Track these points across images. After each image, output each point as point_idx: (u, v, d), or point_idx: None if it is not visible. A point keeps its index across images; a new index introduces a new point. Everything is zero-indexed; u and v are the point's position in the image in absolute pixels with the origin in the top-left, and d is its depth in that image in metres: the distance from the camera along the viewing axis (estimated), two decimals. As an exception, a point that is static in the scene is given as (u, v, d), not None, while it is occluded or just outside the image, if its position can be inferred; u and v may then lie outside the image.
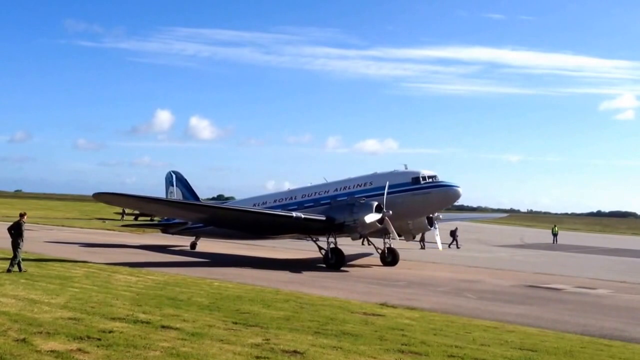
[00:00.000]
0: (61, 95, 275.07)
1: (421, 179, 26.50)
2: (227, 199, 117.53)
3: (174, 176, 35.34)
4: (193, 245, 33.56)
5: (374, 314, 14.42)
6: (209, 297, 15.78)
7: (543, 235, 70.60)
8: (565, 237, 64.38)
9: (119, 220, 68.31)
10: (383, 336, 11.78)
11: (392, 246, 28.49)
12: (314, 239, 27.40)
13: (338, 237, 26.64)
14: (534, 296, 20.39)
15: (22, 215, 20.29)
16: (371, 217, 24.95)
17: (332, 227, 26.02)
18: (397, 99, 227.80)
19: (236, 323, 12.32)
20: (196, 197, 34.92)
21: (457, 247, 41.42)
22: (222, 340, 10.61)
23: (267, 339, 10.90)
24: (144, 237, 42.49)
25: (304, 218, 25.86)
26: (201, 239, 33.67)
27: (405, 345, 11.08)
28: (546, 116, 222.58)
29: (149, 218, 72.51)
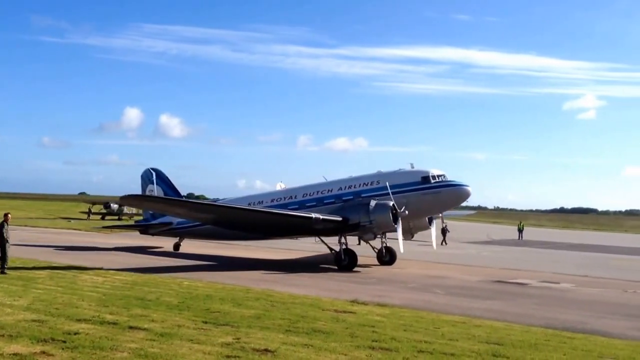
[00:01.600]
0: (25, 92, 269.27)
1: (431, 178, 26.31)
2: (197, 197, 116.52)
3: (153, 174, 33.72)
4: (177, 247, 32.07)
5: (344, 311, 14.49)
6: (178, 297, 15.67)
7: (509, 231, 71.64)
8: (531, 233, 65.51)
9: (85, 219, 67.32)
10: (354, 333, 11.86)
11: (388, 245, 27.98)
12: (321, 239, 26.93)
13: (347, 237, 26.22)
14: (501, 291, 20.73)
15: (5, 215, 20.10)
16: (391, 218, 24.59)
17: (345, 228, 25.53)
18: (368, 98, 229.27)
19: (206, 322, 12.27)
20: (179, 195, 33.74)
21: (445, 244, 41.13)
22: (191, 340, 10.55)
23: (238, 338, 10.89)
24: (113, 236, 41.90)
25: (322, 219, 25.24)
26: (185, 239, 32.27)
27: (376, 341, 11.18)
28: (512, 115, 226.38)
29: (116, 217, 71.77)
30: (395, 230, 25.04)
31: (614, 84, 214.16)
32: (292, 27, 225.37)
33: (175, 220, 30.70)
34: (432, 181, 26.23)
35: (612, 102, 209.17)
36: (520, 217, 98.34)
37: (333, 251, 26.06)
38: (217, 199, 36.50)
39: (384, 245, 27.87)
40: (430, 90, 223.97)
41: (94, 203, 77.11)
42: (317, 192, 27.65)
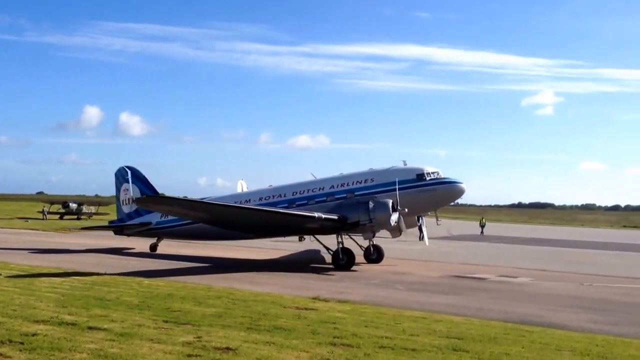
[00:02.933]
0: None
1: (426, 175, 26.22)
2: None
3: (128, 172, 32.14)
4: (154, 248, 30.91)
5: (306, 308, 14.50)
6: (138, 296, 15.46)
7: (470, 226, 72.68)
8: (490, 228, 66.52)
9: (42, 219, 65.84)
10: (315, 330, 11.87)
11: (376, 243, 27.67)
12: (316, 238, 26.81)
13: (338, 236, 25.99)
14: (460, 286, 21.01)
15: None
16: (394, 217, 24.39)
17: (344, 227, 25.29)
18: (329, 95, 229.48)
19: (167, 321, 12.13)
20: (156, 193, 31.98)
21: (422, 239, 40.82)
22: (152, 340, 10.43)
23: (199, 337, 10.80)
24: (73, 237, 41.15)
25: (324, 218, 24.88)
26: (162, 240, 31.26)
27: (337, 338, 11.21)
28: (472, 112, 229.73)
29: (75, 217, 70.36)
30: (396, 229, 25.15)
31: (571, 80, 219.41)
32: (253, 24, 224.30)
33: (154, 220, 29.83)
34: (427, 178, 26.16)
35: (569, 99, 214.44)
36: (479, 213, 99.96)
37: (330, 251, 25.84)
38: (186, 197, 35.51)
39: (372, 243, 27.46)
40: (391, 87, 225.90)
41: (52, 203, 75.53)
42: (308, 190, 27.25)
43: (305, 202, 26.74)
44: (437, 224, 28.90)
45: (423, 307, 15.99)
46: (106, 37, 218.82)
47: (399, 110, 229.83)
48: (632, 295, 20.01)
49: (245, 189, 35.92)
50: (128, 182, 31.89)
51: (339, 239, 25.67)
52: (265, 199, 27.77)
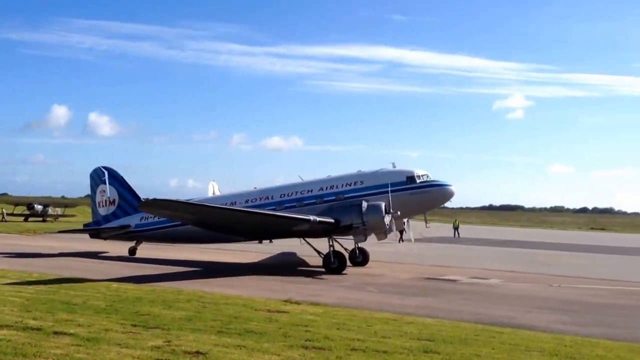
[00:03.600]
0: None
1: (416, 177, 26.07)
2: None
3: (105, 173, 30.86)
4: (133, 251, 29.77)
5: (277, 311, 14.40)
6: (106, 300, 15.18)
7: (443, 228, 73.17)
8: (461, 230, 67.04)
9: (3, 221, 64.39)
10: (287, 333, 11.78)
11: (361, 246, 27.03)
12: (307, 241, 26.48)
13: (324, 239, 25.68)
14: (432, 288, 21.10)
15: None
16: (387, 219, 24.20)
17: (336, 230, 24.97)
18: (302, 96, 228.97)
19: (135, 325, 11.92)
20: (136, 195, 30.85)
21: (402, 241, 41.17)
22: (120, 345, 10.24)
23: (168, 341, 10.63)
24: (42, 239, 40.41)
25: (319, 221, 24.50)
26: (141, 243, 30.12)
27: (309, 340, 11.14)
28: (444, 114, 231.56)
29: (40, 219, 69.05)
30: (390, 231, 24.98)
31: (541, 84, 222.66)
32: (225, 24, 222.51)
33: (133, 222, 29.02)
34: (418, 181, 26.05)
35: (539, 102, 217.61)
36: (451, 215, 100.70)
37: (321, 254, 25.55)
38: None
39: (357, 246, 26.94)
40: (364, 89, 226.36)
41: (16, 204, 73.92)
42: (296, 192, 26.83)
43: (294, 204, 26.37)
44: (427, 227, 28.78)
45: (395, 309, 15.99)
46: (76, 35, 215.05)
47: (372, 112, 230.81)
48: (599, 297, 20.29)
49: (217, 191, 35.53)
50: (105, 183, 30.84)
51: (330, 242, 25.36)
52: (252, 201, 27.27)
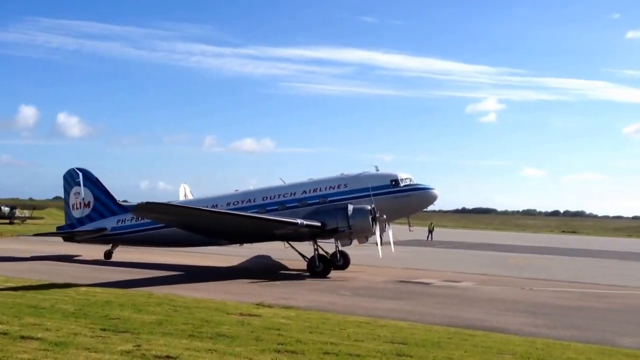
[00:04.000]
0: None
1: (400, 181, 26.01)
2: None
3: (80, 174, 29.89)
4: (109, 255, 29.03)
5: (250, 315, 14.27)
6: (74, 304, 14.89)
7: (417, 231, 73.38)
8: (435, 232, 67.39)
9: None
10: (259, 336, 11.68)
11: (342, 249, 26.92)
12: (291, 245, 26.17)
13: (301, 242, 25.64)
14: (405, 291, 21.14)
15: None
16: (370, 223, 24.10)
17: (322, 233, 24.75)
18: (274, 98, 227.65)
19: (104, 330, 11.70)
20: (112, 197, 29.93)
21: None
22: (88, 349, 10.03)
23: (138, 345, 10.46)
24: (9, 242, 39.62)
25: (305, 224, 24.22)
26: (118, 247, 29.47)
27: (282, 344, 11.05)
28: (417, 117, 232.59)
29: (7, 221, 67.67)
30: (374, 234, 24.86)
31: (513, 88, 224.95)
32: (196, 25, 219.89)
33: (110, 225, 28.36)
34: (402, 184, 26.00)
35: (511, 106, 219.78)
36: (425, 218, 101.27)
37: (306, 258, 25.33)
38: (126, 202, 33.93)
39: (338, 249, 26.82)
40: (337, 91, 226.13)
41: None
42: (279, 195, 26.55)
43: (277, 207, 26.11)
44: (410, 230, 28.69)
45: (368, 312, 15.97)
46: (43, 34, 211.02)
47: (345, 114, 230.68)
48: (570, 299, 20.51)
49: (188, 193, 35.18)
50: (79, 184, 29.95)
51: (315, 246, 25.18)
52: (234, 204, 26.89)
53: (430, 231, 63.90)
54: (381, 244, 24.69)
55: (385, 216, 25.00)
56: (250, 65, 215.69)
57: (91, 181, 30.09)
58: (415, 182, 26.37)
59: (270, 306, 15.96)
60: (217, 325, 12.70)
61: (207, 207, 26.36)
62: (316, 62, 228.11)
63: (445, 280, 24.62)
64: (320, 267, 24.65)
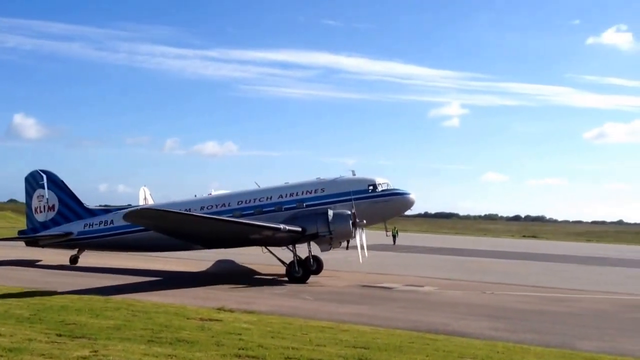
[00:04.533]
0: None
1: (377, 185, 25.90)
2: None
3: (44, 177, 28.78)
4: (74, 260, 28.15)
5: (210, 319, 14.07)
6: (29, 309, 14.46)
7: (380, 236, 73.72)
8: (399, 237, 67.70)
9: None
10: (220, 341, 11.52)
11: (315, 254, 26.43)
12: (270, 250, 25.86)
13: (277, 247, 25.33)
14: (368, 295, 21.15)
15: None
16: (351, 228, 23.94)
17: (302, 238, 24.47)
18: (236, 101, 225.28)
19: (60, 335, 11.39)
20: (78, 200, 28.90)
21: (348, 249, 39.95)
22: (44, 355, 9.78)
23: (95, 351, 10.21)
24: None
25: (288, 230, 23.88)
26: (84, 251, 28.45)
27: (243, 349, 10.92)
28: (381, 121, 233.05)
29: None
30: (353, 239, 24.66)
31: (476, 93, 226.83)
32: (158, 26, 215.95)
33: (76, 229, 27.46)
34: (379, 189, 25.91)
35: (474, 111, 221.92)
36: (389, 222, 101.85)
37: (286, 264, 24.92)
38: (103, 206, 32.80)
39: (311, 254, 26.28)
40: (300, 94, 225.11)
41: None
42: (254, 199, 26.17)
43: (252, 212, 25.77)
44: (386, 235, 28.56)
45: (331, 317, 15.91)
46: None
47: (308, 118, 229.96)
48: (530, 303, 20.78)
49: (148, 196, 34.64)
50: (43, 187, 28.81)
51: (294, 251, 24.87)
52: (207, 208, 26.40)
53: (394, 235, 64.18)
54: (361, 249, 24.58)
55: (365, 221, 24.92)
56: (212, 68, 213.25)
57: (56, 184, 29.10)
58: (392, 187, 26.39)
59: (231, 311, 15.78)
60: (177, 330, 12.49)
61: (181, 211, 25.41)
62: (280, 65, 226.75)
63: (408, 285, 24.72)
64: (299, 272, 24.44)
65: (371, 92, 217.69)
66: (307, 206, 25.52)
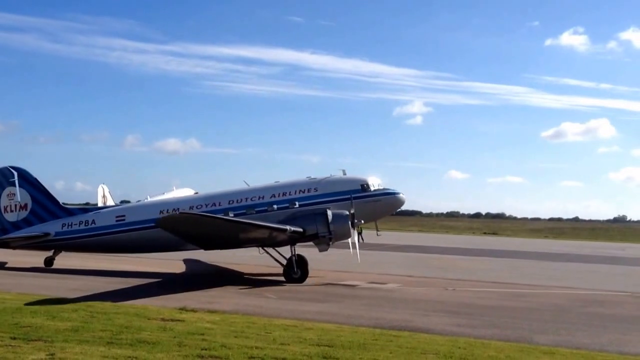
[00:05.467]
0: None
1: (369, 185, 25.76)
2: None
3: (15, 173, 27.12)
4: (50, 262, 26.71)
5: (172, 320, 13.87)
6: (-18, 312, 14.03)
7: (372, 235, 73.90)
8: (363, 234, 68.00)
9: None
10: (182, 342, 11.36)
11: (298, 253, 25.73)
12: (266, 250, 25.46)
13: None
14: (331, 293, 21.14)
15: None
16: (350, 228, 23.86)
17: (301, 239, 24.06)
18: (199, 98, 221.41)
19: (15, 338, 11.06)
20: (53, 199, 27.47)
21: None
22: (-3, 359, 9.48)
23: (52, 354, 9.97)
24: None
25: (293, 231, 23.36)
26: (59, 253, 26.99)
27: (206, 349, 10.80)
28: (345, 119, 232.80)
29: None
30: (350, 238, 24.57)
31: (439, 92, 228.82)
32: (117, 19, 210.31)
33: (54, 230, 26.08)
34: (372, 189, 25.80)
35: (438, 109, 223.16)
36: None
37: (282, 264, 24.59)
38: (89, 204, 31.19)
39: (294, 254, 25.48)
40: (263, 91, 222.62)
41: None
42: (246, 199, 25.63)
43: (244, 211, 25.25)
44: (377, 235, 28.52)
45: (294, 315, 15.84)
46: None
47: (272, 115, 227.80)
48: (491, 299, 21.05)
49: (107, 194, 34.01)
50: (14, 185, 26.96)
51: (293, 251, 24.46)
52: (197, 207, 25.63)
53: (359, 233, 64.30)
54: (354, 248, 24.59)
55: (362, 221, 24.79)
56: (174, 63, 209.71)
57: (28, 181, 27.45)
58: (383, 187, 26.36)
59: (194, 310, 15.57)
60: (138, 331, 12.27)
61: (165, 210, 25.38)
62: (243, 61, 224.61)
63: (371, 282, 24.81)
64: (298, 273, 24.06)
65: (336, 90, 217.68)
66: (300, 206, 25.21)
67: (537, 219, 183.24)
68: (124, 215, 26.09)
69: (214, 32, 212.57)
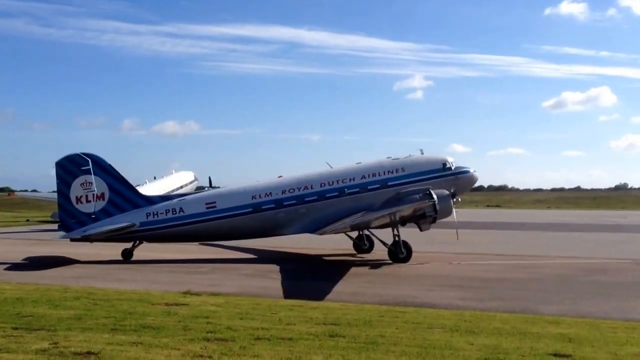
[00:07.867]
0: None
1: (449, 164, 26.14)
2: (2, 190, 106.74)
3: (89, 161, 25.28)
4: (129, 254, 25.33)
5: (176, 304, 13.80)
6: (-18, 302, 13.94)
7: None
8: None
9: None
10: (187, 326, 11.29)
11: (367, 233, 26.69)
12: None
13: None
14: (335, 272, 21.07)
15: None
16: (452, 206, 24.33)
17: (410, 219, 24.45)
18: (196, 79, 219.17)
19: (17, 328, 10.98)
20: (135, 190, 26.42)
21: None
22: (0, 350, 9.38)
23: (55, 343, 9.87)
24: None
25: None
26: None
27: (211, 332, 10.74)
28: (344, 96, 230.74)
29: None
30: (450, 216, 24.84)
31: (439, 65, 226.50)
32: (108, 0, 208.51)
33: (138, 220, 24.78)
34: (451, 167, 26.16)
35: (438, 83, 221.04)
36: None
37: (386, 244, 24.56)
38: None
39: (363, 233, 26.52)
40: (261, 70, 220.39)
41: None
42: (337, 181, 25.76)
43: (337, 194, 25.45)
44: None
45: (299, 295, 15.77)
46: None
47: (270, 94, 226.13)
48: (495, 272, 21.02)
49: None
50: (89, 173, 25.11)
51: (398, 232, 24.67)
52: (289, 191, 25.60)
53: None
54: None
55: (459, 199, 25.26)
56: (169, 44, 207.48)
57: (103, 168, 25.57)
58: (458, 165, 26.72)
59: (198, 294, 15.51)
60: (142, 316, 12.20)
61: (259, 195, 25.57)
62: (239, 40, 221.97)
63: (375, 259, 24.75)
64: (404, 253, 24.18)
65: (334, 67, 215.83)
66: (390, 186, 25.36)
67: (540, 190, 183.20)
68: (214, 202, 25.49)
69: (208, 12, 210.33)
